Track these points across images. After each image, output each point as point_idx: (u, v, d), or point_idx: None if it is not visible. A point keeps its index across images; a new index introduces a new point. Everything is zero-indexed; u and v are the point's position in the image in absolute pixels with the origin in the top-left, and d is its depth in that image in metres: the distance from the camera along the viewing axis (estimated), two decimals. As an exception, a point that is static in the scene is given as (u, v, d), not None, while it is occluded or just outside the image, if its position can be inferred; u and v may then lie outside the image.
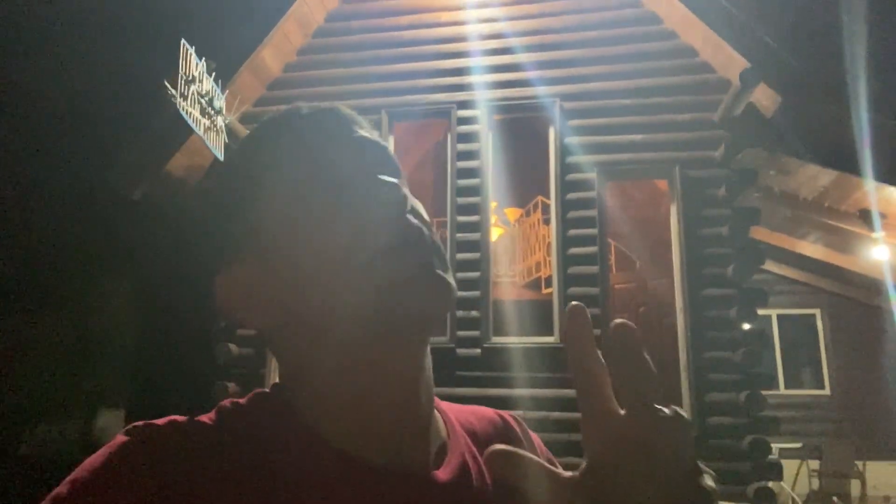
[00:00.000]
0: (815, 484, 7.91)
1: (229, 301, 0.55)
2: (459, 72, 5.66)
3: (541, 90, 5.46)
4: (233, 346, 5.30)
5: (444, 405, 0.64)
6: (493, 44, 5.67)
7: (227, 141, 5.21)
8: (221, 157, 5.06)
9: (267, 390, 0.55)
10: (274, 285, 0.52)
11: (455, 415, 0.64)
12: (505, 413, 0.69)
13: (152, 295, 7.40)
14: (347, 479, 0.49)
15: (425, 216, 0.55)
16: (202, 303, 5.96)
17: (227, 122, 5.17)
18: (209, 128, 4.91)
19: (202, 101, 4.79)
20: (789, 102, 4.92)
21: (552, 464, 0.66)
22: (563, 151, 5.38)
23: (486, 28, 5.74)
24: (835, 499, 5.66)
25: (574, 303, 0.40)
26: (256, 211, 0.54)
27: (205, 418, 0.51)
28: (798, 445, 8.02)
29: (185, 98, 4.53)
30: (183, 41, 4.52)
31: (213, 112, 4.93)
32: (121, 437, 0.46)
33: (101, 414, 8.80)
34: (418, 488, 0.51)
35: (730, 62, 5.10)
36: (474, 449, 0.60)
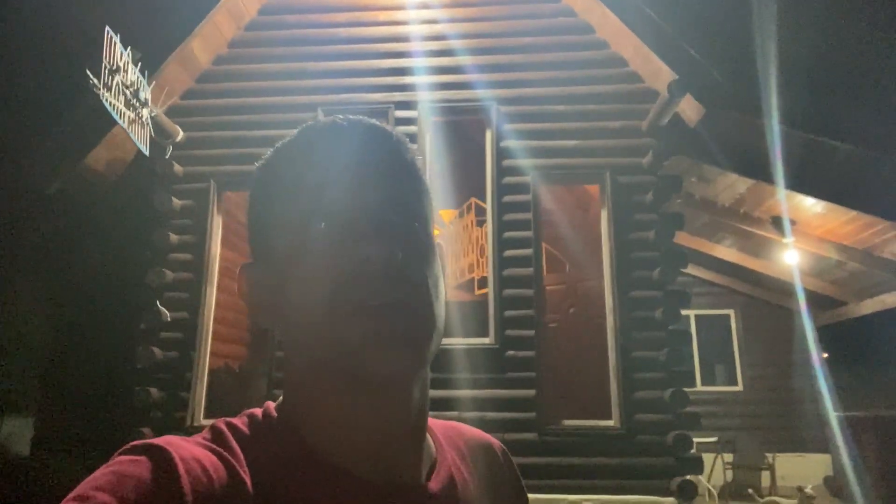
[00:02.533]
0: (730, 476, 8.34)
1: (242, 290, 0.57)
2: (398, 72, 5.64)
3: (479, 93, 5.51)
4: (156, 350, 5.07)
5: (430, 420, 0.65)
6: (433, 45, 5.68)
7: (152, 135, 4.98)
8: (147, 152, 4.84)
9: (258, 410, 0.56)
10: (271, 290, 0.54)
11: (439, 430, 0.65)
12: (491, 438, 0.72)
13: (67, 295, 6.98)
14: (341, 493, 0.50)
15: (422, 267, 0.53)
16: (122, 304, 5.67)
17: (153, 114, 4.95)
18: (134, 120, 4.68)
19: (127, 92, 4.56)
20: (711, 113, 5.17)
21: (525, 497, 0.70)
22: (500, 154, 5.45)
23: (426, 29, 5.74)
24: (750, 490, 5.99)
25: None
26: (270, 220, 0.55)
27: (199, 437, 0.51)
28: (713, 439, 8.45)
29: (108, 89, 4.30)
30: (107, 28, 4.29)
31: (138, 104, 4.71)
32: (121, 457, 0.46)
33: (6, 420, 8.24)
34: (410, 500, 0.53)
35: (658, 73, 5.31)
36: (459, 463, 0.62)
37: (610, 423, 4.97)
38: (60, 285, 6.72)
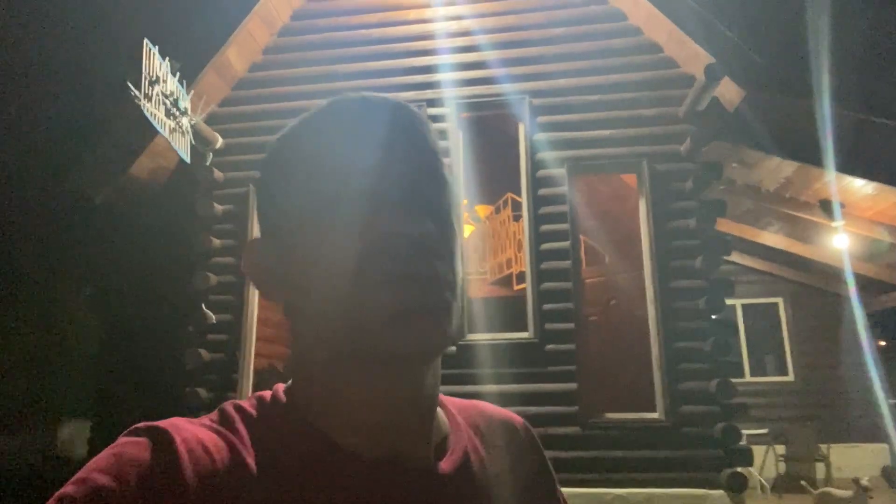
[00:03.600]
0: (782, 468, 8.12)
1: (250, 265, 0.56)
2: (428, 70, 5.65)
3: (509, 87, 5.48)
4: (203, 352, 5.21)
5: (447, 399, 0.65)
6: (462, 41, 5.68)
7: (192, 142, 5.11)
8: (187, 159, 4.96)
9: (267, 393, 0.56)
10: (290, 266, 0.53)
11: (458, 409, 0.64)
12: (513, 415, 0.69)
13: (117, 301, 7.22)
14: (348, 472, 0.49)
15: (445, 246, 0.52)
16: (169, 308, 5.83)
17: (192, 122, 5.07)
18: (174, 129, 4.80)
19: (167, 101, 4.69)
20: (752, 96, 5.03)
21: (549, 468, 0.68)
22: (533, 148, 5.41)
23: (454, 25, 5.74)
24: (803, 482, 5.82)
25: None
26: (289, 191, 0.54)
27: (206, 419, 0.51)
28: (764, 431, 8.23)
29: (148, 99, 4.43)
30: (146, 41, 4.41)
31: (178, 113, 4.83)
32: (124, 438, 0.46)
33: (64, 424, 8.57)
34: (419, 480, 0.52)
35: (694, 57, 5.19)
36: (477, 443, 0.61)
37: (654, 415, 4.89)
38: (110, 291, 6.95)
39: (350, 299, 0.48)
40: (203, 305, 5.31)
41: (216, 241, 5.44)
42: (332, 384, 0.52)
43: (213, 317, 5.31)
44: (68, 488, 0.42)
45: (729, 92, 5.08)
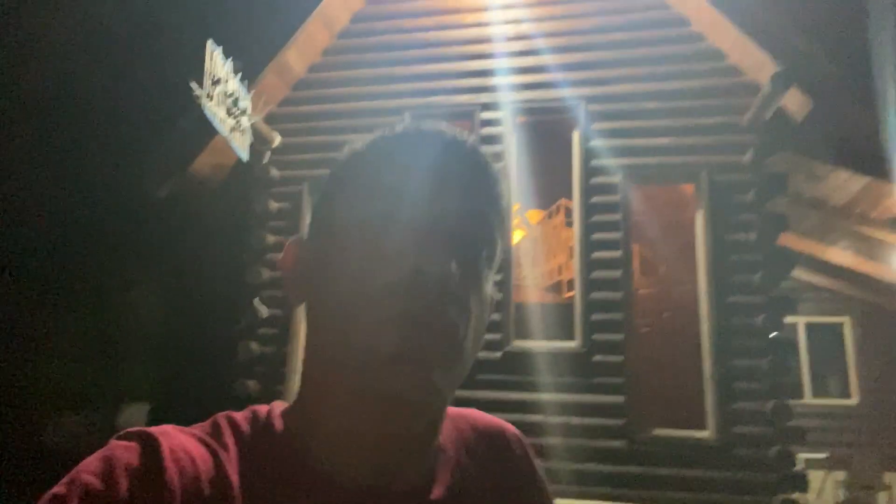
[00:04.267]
0: (841, 495, 7.74)
1: (286, 262, 0.57)
2: (483, 73, 5.64)
3: (565, 92, 5.41)
4: (254, 345, 5.34)
5: None
6: (518, 45, 5.64)
7: (251, 141, 5.24)
8: (245, 158, 5.10)
9: (265, 407, 0.57)
10: (317, 267, 0.54)
11: (449, 424, 0.63)
12: (506, 426, 0.68)
13: (177, 292, 7.49)
14: (332, 500, 0.49)
15: (477, 302, 0.52)
16: (225, 301, 6.01)
17: (252, 122, 5.21)
18: (234, 128, 4.94)
19: (228, 101, 4.82)
20: (820, 106, 4.82)
21: (545, 484, 0.66)
22: (588, 154, 5.33)
23: (511, 29, 5.70)
24: (862, 512, 5.54)
25: None
26: (329, 207, 0.56)
27: (198, 429, 0.52)
28: (823, 456, 7.86)
29: (210, 98, 4.57)
30: (209, 41, 4.55)
31: (238, 112, 4.97)
32: (115, 442, 0.48)
33: (125, 406, 8.94)
34: None
35: (759, 65, 5.00)
36: (465, 458, 0.60)
37: (705, 434, 4.74)
38: (171, 283, 7.22)
39: (363, 322, 0.48)
40: (256, 299, 5.44)
41: (270, 238, 5.58)
42: (326, 408, 0.53)
43: (266, 311, 5.43)
44: (58, 489, 0.43)
45: (796, 101, 4.88)
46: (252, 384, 5.28)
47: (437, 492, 0.54)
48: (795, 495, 4.47)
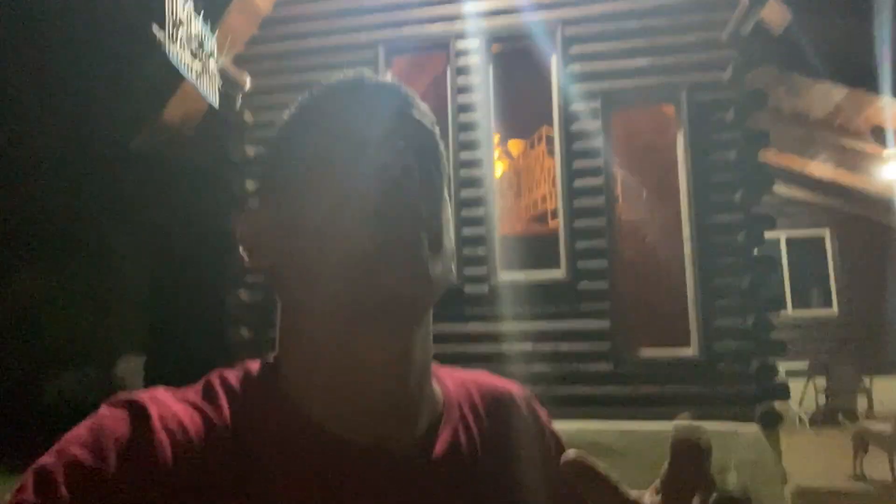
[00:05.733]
0: (822, 401, 8.06)
1: (244, 233, 0.57)
2: (456, 1, 5.44)
3: (540, 16, 5.25)
4: (243, 292, 5.35)
5: (444, 372, 0.63)
6: (490, -31, 5.42)
7: (220, 85, 5.08)
8: (216, 104, 4.95)
9: (256, 363, 0.56)
10: (278, 230, 0.53)
11: (454, 384, 0.62)
12: (513, 387, 0.67)
13: (161, 244, 7.44)
14: (331, 458, 0.49)
15: (432, 205, 0.53)
16: (207, 250, 5.99)
17: (219, 65, 5.03)
18: (201, 72, 4.78)
19: (192, 44, 4.64)
20: (800, 18, 4.72)
21: (558, 439, 0.66)
22: (566, 80, 5.23)
23: (482, -48, 5.47)
24: (840, 416, 5.77)
25: (571, 456, 0.39)
26: (282, 168, 0.55)
27: (190, 392, 0.51)
28: (804, 365, 8.14)
29: (174, 42, 4.39)
30: (167, -19, 4.34)
31: (204, 55, 4.79)
32: (105, 410, 0.47)
33: (121, 360, 9.03)
34: (404, 466, 0.51)
35: (738, -23, 4.86)
36: (470, 419, 0.59)
37: (688, 351, 4.87)
38: (154, 235, 7.16)
39: (338, 240, 0.49)
40: (240, 248, 5.40)
41: (250, 184, 5.49)
42: (317, 353, 0.52)
43: (250, 258, 5.41)
44: (46, 459, 0.43)
45: (775, 14, 4.78)
46: (244, 331, 5.32)
47: (439, 450, 0.54)
48: (779, 404, 4.65)
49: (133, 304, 8.59)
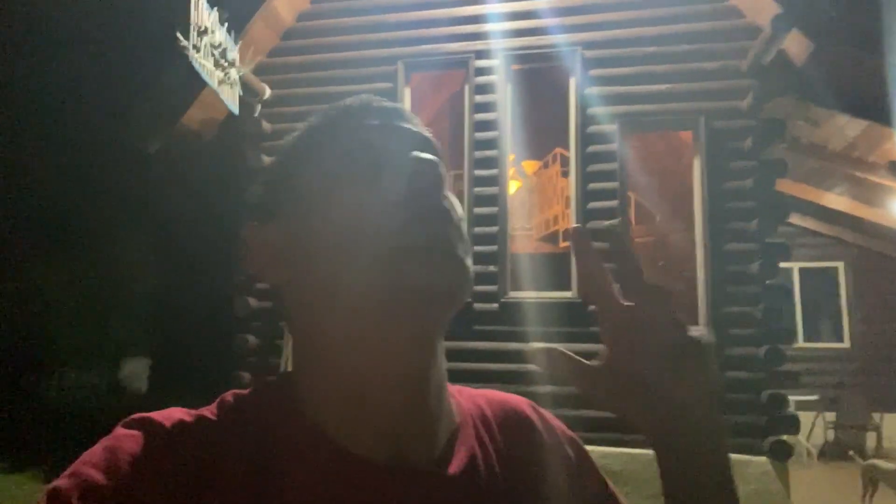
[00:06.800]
0: (831, 436, 7.94)
1: (253, 251, 0.56)
2: (477, 19, 5.49)
3: (561, 38, 5.28)
4: (251, 300, 5.35)
5: (458, 389, 0.63)
6: (513, -11, 5.47)
7: (241, 94, 5.13)
8: (236, 111, 5.00)
9: (270, 380, 0.55)
10: (293, 245, 0.53)
11: (466, 400, 0.62)
12: (522, 401, 0.67)
13: (171, 249, 7.47)
14: (346, 475, 0.48)
15: (458, 209, 0.54)
16: (219, 256, 6.01)
17: (240, 74, 5.08)
18: (223, 80, 4.83)
19: (215, 52, 4.70)
20: (821, 50, 4.71)
21: (575, 444, 0.65)
22: (584, 102, 5.24)
23: (506, -27, 5.52)
24: (851, 452, 5.68)
25: (574, 226, 0.43)
26: (298, 181, 0.55)
27: (206, 412, 0.51)
28: (815, 398, 8.03)
29: (197, 50, 4.44)
30: (194, -10, 4.40)
31: (226, 64, 4.85)
32: (120, 430, 0.47)
33: (126, 362, 9.04)
34: (423, 483, 0.50)
35: (760, 7, 4.88)
36: (485, 435, 0.59)
37: (699, 379, 4.81)
38: (165, 239, 7.19)
39: (386, 234, 0.48)
40: (251, 263, 5.41)
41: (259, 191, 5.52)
42: (337, 368, 0.51)
43: (261, 267, 5.42)
44: (61, 482, 0.43)
45: (796, 45, 4.77)
46: (251, 339, 5.32)
47: (455, 467, 0.53)
48: (788, 437, 4.58)
49: (140, 308, 8.61)
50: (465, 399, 0.62)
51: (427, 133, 0.57)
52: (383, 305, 0.48)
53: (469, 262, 0.51)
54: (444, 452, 0.54)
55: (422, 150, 0.53)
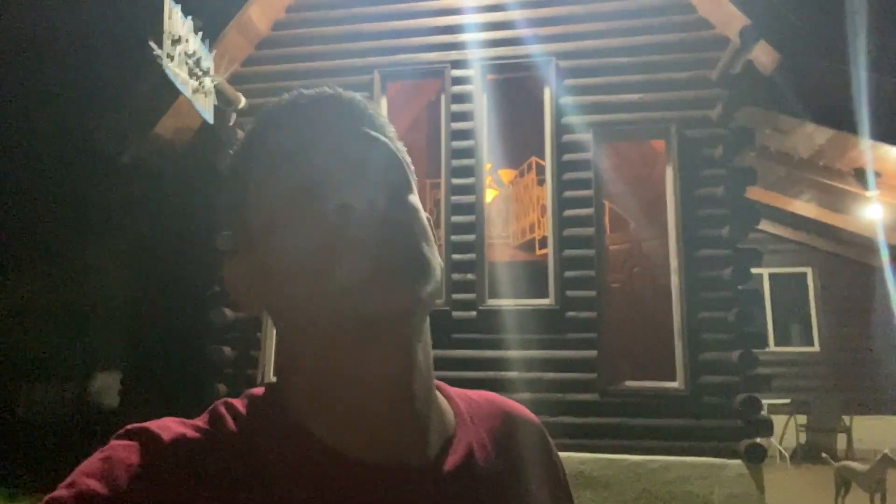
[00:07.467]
0: (803, 438, 8.09)
1: (230, 283, 0.56)
2: (453, 30, 5.53)
3: (536, 48, 5.35)
4: (227, 311, 5.29)
5: (454, 391, 0.63)
6: (488, 0, 5.53)
7: (216, 103, 5.09)
8: (210, 120, 4.96)
9: (260, 390, 0.55)
10: (260, 277, 0.53)
11: (465, 402, 0.62)
12: (524, 409, 0.68)
13: (143, 259, 7.35)
14: (342, 478, 0.48)
15: (418, 217, 0.53)
16: (193, 266, 5.94)
17: (215, 83, 5.05)
18: (197, 89, 4.79)
19: (189, 61, 4.66)
20: (788, 60, 4.84)
21: (561, 464, 0.66)
22: (559, 112, 5.31)
23: (480, -16, 5.58)
24: (824, 454, 5.80)
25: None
26: (245, 214, 0.55)
27: (199, 421, 0.51)
28: (786, 401, 8.18)
29: (171, 59, 4.40)
30: (167, -1, 4.37)
31: (200, 73, 4.81)
32: (114, 441, 0.47)
33: (97, 376, 8.85)
34: (418, 482, 0.51)
35: (729, 19, 5.00)
36: (484, 437, 0.59)
37: (674, 384, 4.88)
38: (136, 249, 7.08)
39: (318, 281, 0.48)
40: (231, 296, 5.35)
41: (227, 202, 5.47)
42: (320, 375, 0.51)
43: (237, 277, 5.37)
44: (59, 492, 0.43)
45: (764, 56, 4.89)
46: (227, 350, 5.25)
47: (449, 467, 0.53)
48: (761, 440, 4.66)
49: (113, 319, 8.45)
50: (462, 400, 0.62)
51: (381, 135, 0.55)
52: (346, 332, 0.49)
53: (430, 269, 0.51)
54: (439, 451, 0.54)
55: (366, 157, 0.53)
